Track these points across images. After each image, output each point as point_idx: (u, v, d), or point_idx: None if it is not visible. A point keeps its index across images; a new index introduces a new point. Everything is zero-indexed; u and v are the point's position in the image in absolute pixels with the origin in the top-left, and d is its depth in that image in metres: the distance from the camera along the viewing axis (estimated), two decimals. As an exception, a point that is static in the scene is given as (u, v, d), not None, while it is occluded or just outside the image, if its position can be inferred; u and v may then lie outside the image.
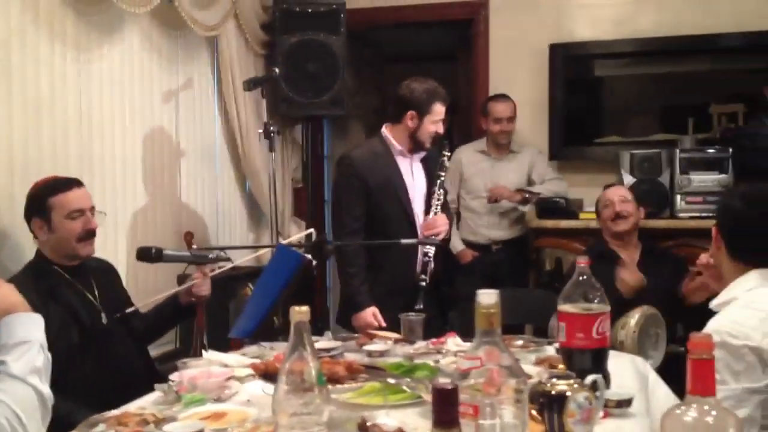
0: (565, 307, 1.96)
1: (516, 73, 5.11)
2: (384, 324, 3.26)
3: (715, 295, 2.88)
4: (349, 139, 6.56)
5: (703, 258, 2.46)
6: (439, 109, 3.38)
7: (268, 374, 1.96)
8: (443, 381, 1.22)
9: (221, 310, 4.00)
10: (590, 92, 5.02)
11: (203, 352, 2.55)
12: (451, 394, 1.12)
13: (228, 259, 2.93)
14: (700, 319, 3.26)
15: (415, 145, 3.43)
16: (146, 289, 3.84)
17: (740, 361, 1.88)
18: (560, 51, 4.94)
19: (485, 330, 1.34)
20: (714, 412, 1.21)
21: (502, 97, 4.76)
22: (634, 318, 3.09)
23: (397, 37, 6.48)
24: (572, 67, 4.96)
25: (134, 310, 2.94)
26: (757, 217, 2.10)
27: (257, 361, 2.49)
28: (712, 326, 2.00)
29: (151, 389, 2.58)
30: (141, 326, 3.02)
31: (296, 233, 5.26)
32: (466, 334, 3.94)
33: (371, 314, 3.30)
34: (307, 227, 5.34)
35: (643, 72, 4.96)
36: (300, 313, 1.34)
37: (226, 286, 3.88)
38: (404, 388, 1.93)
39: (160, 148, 4.22)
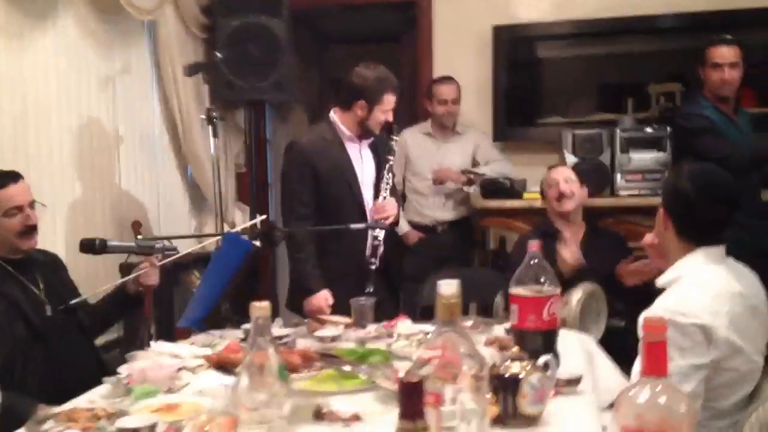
0: (516, 290, 1.99)
1: (460, 55, 5.12)
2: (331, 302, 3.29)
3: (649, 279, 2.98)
4: (292, 122, 6.51)
5: (648, 238, 2.50)
6: (389, 99, 3.37)
7: (221, 365, 1.94)
8: (408, 374, 1.22)
9: (166, 298, 3.96)
10: (533, 74, 5.05)
11: (151, 342, 2.50)
12: (416, 387, 1.12)
13: (174, 249, 2.88)
14: (640, 296, 3.37)
15: (364, 131, 3.43)
16: (88, 280, 3.77)
17: (687, 338, 1.93)
18: (503, 33, 4.96)
19: (446, 319, 1.34)
20: (667, 393, 1.24)
21: (447, 79, 4.77)
22: (576, 295, 3.14)
23: (339, 19, 6.43)
24: (515, 48, 4.99)
25: (80, 301, 2.89)
26: (705, 198, 2.13)
27: (207, 350, 2.48)
28: (661, 304, 2.04)
29: (100, 382, 2.56)
30: (88, 318, 2.97)
31: (240, 218, 5.22)
32: (415, 314, 4.00)
33: (323, 298, 3.30)
34: (251, 212, 5.31)
35: (583, 53, 5.01)
36: (260, 308, 1.33)
37: (171, 273, 3.84)
38: (359, 375, 1.94)
39: (99, 136, 4.15)
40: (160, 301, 3.76)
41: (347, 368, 1.90)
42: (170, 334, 3.94)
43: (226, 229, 4.80)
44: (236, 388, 1.34)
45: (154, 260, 2.95)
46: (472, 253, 4.87)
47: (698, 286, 2.04)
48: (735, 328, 1.98)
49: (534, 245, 2.03)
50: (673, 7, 4.75)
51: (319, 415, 1.83)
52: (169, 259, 3.06)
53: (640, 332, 2.02)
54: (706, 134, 3.74)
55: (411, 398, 1.12)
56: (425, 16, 5.22)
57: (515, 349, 1.74)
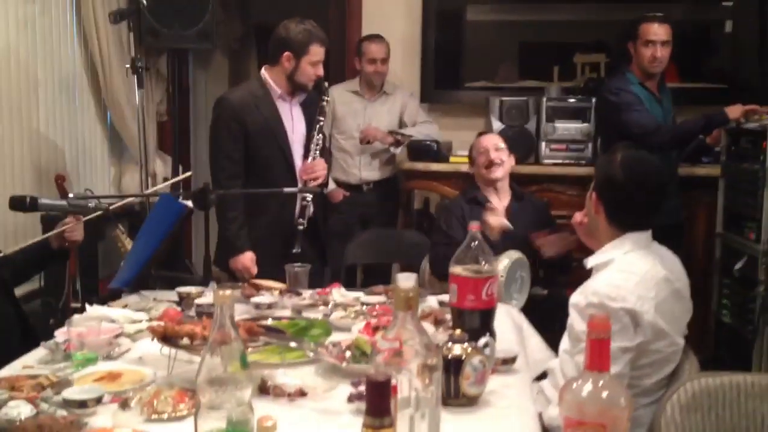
0: (456, 270, 2.05)
1: (389, 13, 5.12)
2: (256, 270, 3.30)
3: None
4: (212, 68, 6.41)
5: (578, 216, 2.60)
6: (316, 50, 3.35)
7: (167, 337, 1.95)
8: (376, 372, 1.28)
9: (90, 252, 3.90)
10: (462, 37, 5.09)
11: (86, 306, 2.49)
12: (384, 386, 1.18)
13: (107, 209, 2.84)
14: (560, 263, 3.50)
15: (293, 87, 3.40)
16: (8, 232, 3.69)
17: (616, 321, 2.04)
18: (433, -7, 4.99)
19: (403, 311, 1.40)
20: (609, 387, 1.33)
21: (376, 37, 4.76)
22: (502, 263, 3.23)
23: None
24: (445, 10, 5.02)
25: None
26: (637, 188, 2.23)
27: (143, 314, 2.48)
28: (591, 287, 2.15)
29: (25, 338, 2.54)
30: (6, 272, 2.91)
31: (161, 168, 5.15)
32: (340, 273, 4.06)
33: (249, 259, 3.32)
34: (173, 162, 5.25)
35: (511, 18, 5.07)
36: (223, 297, 1.36)
37: (95, 227, 3.77)
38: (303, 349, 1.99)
39: (16, 77, 4.02)
40: (85, 255, 3.70)
41: (293, 344, 1.94)
42: (95, 289, 3.91)
43: (149, 180, 4.76)
44: (198, 375, 1.37)
45: (79, 215, 2.89)
46: (396, 213, 4.94)
47: (626, 272, 2.15)
48: (660, 313, 2.11)
49: (474, 226, 2.09)
50: (600, -22, 4.85)
51: (263, 389, 1.88)
52: (93, 215, 3.01)
53: (571, 309, 2.14)
54: (633, 109, 3.85)
55: (379, 395, 1.17)
56: (354, -30, 5.18)
57: (458, 331, 1.81)
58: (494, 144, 3.65)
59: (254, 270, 3.32)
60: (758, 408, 1.92)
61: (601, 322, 1.34)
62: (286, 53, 3.33)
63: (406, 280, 1.40)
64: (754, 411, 1.92)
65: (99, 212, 2.92)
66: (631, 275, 2.13)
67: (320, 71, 3.38)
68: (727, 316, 3.73)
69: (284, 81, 3.39)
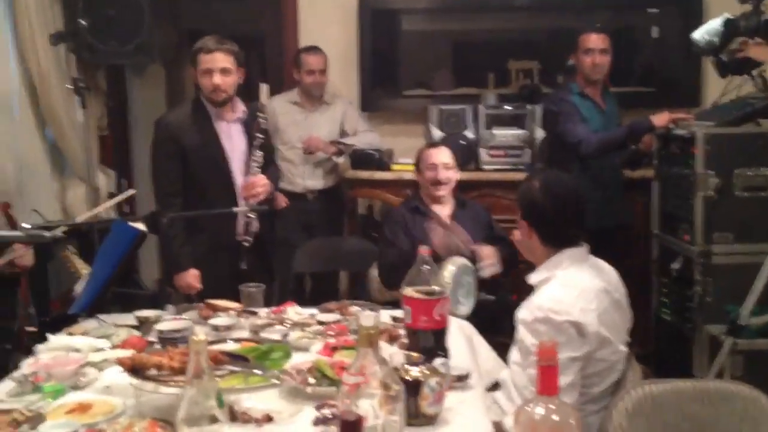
0: (408, 292, 2.17)
1: (325, 22, 5.19)
2: (200, 287, 3.38)
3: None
4: (149, 79, 6.39)
5: (516, 234, 2.76)
6: (201, 59, 3.40)
7: (136, 368, 2.02)
8: (348, 411, 1.38)
9: (41, 274, 3.90)
10: (398, 46, 5.20)
11: (48, 336, 2.53)
12: (356, 424, 1.28)
13: (61, 237, 2.89)
14: (507, 266, 3.63)
15: (207, 101, 3.48)
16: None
17: (562, 334, 2.19)
18: (368, 3, 5.07)
19: (366, 348, 1.51)
20: (559, 410, 1.46)
21: (314, 49, 4.84)
22: (448, 270, 3.34)
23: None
24: (380, 19, 5.11)
25: None
26: (559, 206, 2.39)
27: (105, 341, 2.53)
28: (536, 302, 2.29)
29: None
30: None
31: (104, 182, 5.16)
32: (288, 282, 4.14)
33: (192, 276, 3.41)
34: (118, 176, 5.27)
35: (447, 28, 5.20)
36: (198, 342, 1.45)
37: (44, 249, 3.79)
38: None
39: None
40: (35, 277, 3.71)
41: (258, 372, 2.03)
42: (47, 311, 3.92)
43: (93, 194, 4.77)
44: (178, 415, 1.46)
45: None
46: (341, 221, 5.03)
47: (567, 286, 2.30)
48: (602, 322, 2.27)
49: (424, 250, 2.21)
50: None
51: (231, 415, 1.96)
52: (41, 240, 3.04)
53: (519, 325, 2.28)
54: (568, 120, 4.07)
55: (352, 432, 1.28)
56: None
57: (415, 354, 1.93)
58: (443, 162, 3.73)
59: (198, 286, 3.39)
60: (699, 412, 2.07)
61: (549, 349, 1.47)
62: (192, 69, 3.45)
63: (367, 319, 1.51)
64: (695, 415, 2.07)
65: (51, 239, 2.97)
66: (571, 289, 2.28)
67: (215, 80, 3.39)
68: (667, 314, 3.88)
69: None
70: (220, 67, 3.38)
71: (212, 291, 3.23)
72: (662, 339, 3.99)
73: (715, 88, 4.14)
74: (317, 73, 4.79)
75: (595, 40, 4.16)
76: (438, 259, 3.33)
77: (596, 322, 2.25)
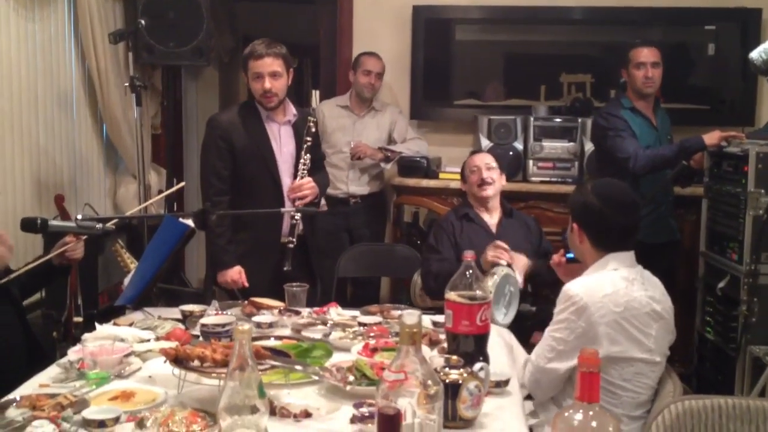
0: (451, 296, 2.18)
1: (379, 31, 5.22)
2: (246, 284, 3.42)
3: None
4: (204, 82, 6.50)
5: (556, 258, 2.80)
6: (252, 65, 3.46)
7: (179, 359, 2.06)
8: (387, 406, 1.39)
9: (90, 267, 3.99)
10: (450, 55, 5.19)
11: (96, 325, 2.58)
12: (394, 419, 1.30)
13: (112, 231, 2.95)
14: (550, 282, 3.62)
15: (260, 105, 3.53)
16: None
17: (572, 314, 2.34)
18: (422, 12, 5.09)
19: (408, 345, 1.52)
20: (598, 417, 1.45)
21: (375, 54, 4.89)
22: (492, 279, 3.34)
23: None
24: (434, 29, 5.12)
25: (11, 278, 2.90)
26: (611, 208, 2.44)
27: (150, 333, 2.58)
28: (579, 281, 2.40)
29: (29, 350, 2.63)
30: (15, 290, 3.01)
31: (155, 180, 5.25)
32: (331, 286, 4.15)
33: (236, 272, 3.46)
34: (168, 174, 5.35)
35: (500, 39, 5.20)
36: (242, 332, 1.47)
37: (95, 242, 3.87)
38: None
39: (17, 94, 4.14)
40: (85, 268, 3.79)
41: (299, 368, 2.05)
42: (95, 302, 4.01)
43: (144, 192, 4.86)
44: (220, 404, 1.48)
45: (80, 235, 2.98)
46: (384, 227, 5.05)
47: (602, 281, 2.37)
48: (624, 326, 2.33)
49: (468, 255, 2.21)
50: (583, 0, 4.97)
51: (270, 410, 1.99)
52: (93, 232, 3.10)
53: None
54: (617, 135, 4.01)
55: (390, 427, 1.29)
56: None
57: (454, 358, 1.93)
58: (486, 163, 3.75)
59: (243, 283, 3.44)
60: (739, 430, 2.05)
61: (591, 356, 1.47)
62: (244, 74, 3.52)
63: (410, 317, 1.52)
64: (735, 433, 2.05)
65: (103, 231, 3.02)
66: (605, 285, 2.34)
67: (266, 84, 3.44)
68: (711, 333, 3.82)
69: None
70: (269, 71, 3.43)
71: (254, 290, 3.31)
72: (704, 358, 3.93)
73: (771, 107, 4.08)
74: (373, 74, 4.83)
75: (646, 54, 4.11)
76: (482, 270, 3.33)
77: (614, 322, 2.30)
